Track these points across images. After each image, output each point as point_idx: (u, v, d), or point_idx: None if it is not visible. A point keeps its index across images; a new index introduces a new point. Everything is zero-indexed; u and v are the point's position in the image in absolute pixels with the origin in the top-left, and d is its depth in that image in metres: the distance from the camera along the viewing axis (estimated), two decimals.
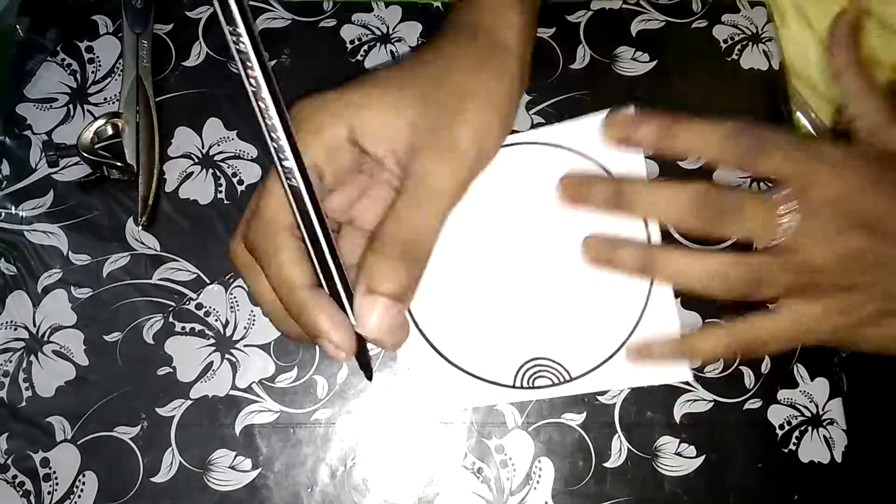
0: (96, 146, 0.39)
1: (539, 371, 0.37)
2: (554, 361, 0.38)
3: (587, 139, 0.38)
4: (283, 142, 0.28)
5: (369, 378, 0.32)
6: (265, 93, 0.27)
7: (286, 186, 0.28)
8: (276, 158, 0.28)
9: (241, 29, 0.26)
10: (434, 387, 0.37)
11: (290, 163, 0.28)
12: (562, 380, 0.37)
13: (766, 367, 0.38)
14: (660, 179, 0.36)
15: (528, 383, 0.37)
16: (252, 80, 0.27)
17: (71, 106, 0.42)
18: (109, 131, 0.40)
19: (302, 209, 0.29)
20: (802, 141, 0.35)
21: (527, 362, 0.38)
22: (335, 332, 0.29)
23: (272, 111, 0.27)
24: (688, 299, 0.39)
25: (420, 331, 0.38)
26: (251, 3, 0.44)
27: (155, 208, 0.40)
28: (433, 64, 0.33)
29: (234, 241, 0.31)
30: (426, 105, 0.32)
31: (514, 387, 0.37)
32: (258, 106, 0.27)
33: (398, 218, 0.30)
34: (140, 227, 0.40)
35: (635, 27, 0.44)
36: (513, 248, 0.39)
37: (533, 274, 0.39)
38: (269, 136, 0.28)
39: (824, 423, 0.38)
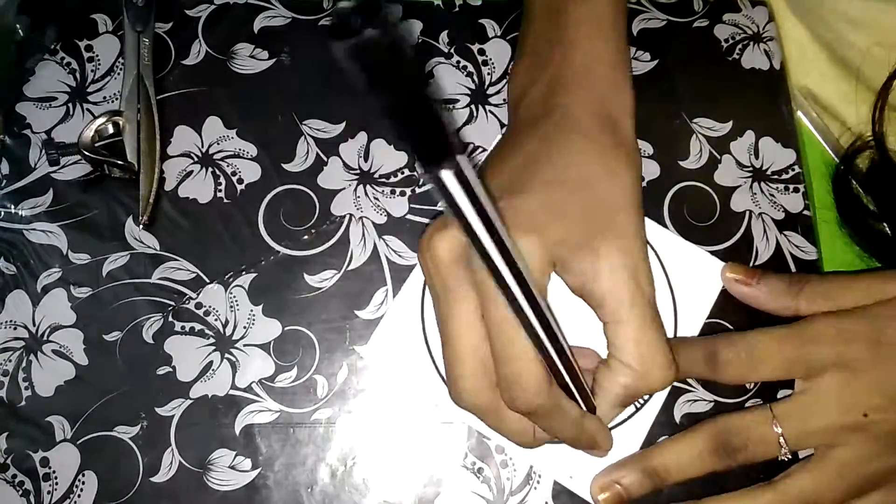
0: (97, 145, 0.39)
1: None
2: None
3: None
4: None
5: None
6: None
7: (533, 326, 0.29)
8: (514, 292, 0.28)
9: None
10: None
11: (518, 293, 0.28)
12: None
13: None
14: (671, 439, 0.36)
15: None
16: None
17: (70, 105, 0.42)
18: (110, 130, 0.40)
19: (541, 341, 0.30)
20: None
21: None
22: (609, 443, 0.35)
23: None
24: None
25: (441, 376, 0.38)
26: (251, 1, 0.44)
27: (155, 207, 0.40)
28: (569, 172, 0.34)
29: (467, 389, 0.31)
30: (576, 226, 0.32)
31: (552, 441, 0.37)
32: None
33: (629, 343, 0.32)
34: (141, 226, 0.39)
35: (636, 26, 0.44)
36: None
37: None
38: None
39: None
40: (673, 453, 0.35)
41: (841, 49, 0.44)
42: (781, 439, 0.34)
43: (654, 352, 0.32)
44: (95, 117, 0.39)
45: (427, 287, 0.34)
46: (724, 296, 0.39)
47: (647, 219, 0.40)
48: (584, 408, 0.33)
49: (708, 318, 0.39)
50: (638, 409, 0.37)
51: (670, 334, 0.38)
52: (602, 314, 0.33)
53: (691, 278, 0.39)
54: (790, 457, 0.34)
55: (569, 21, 0.37)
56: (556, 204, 0.32)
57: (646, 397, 0.37)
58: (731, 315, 0.39)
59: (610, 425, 0.36)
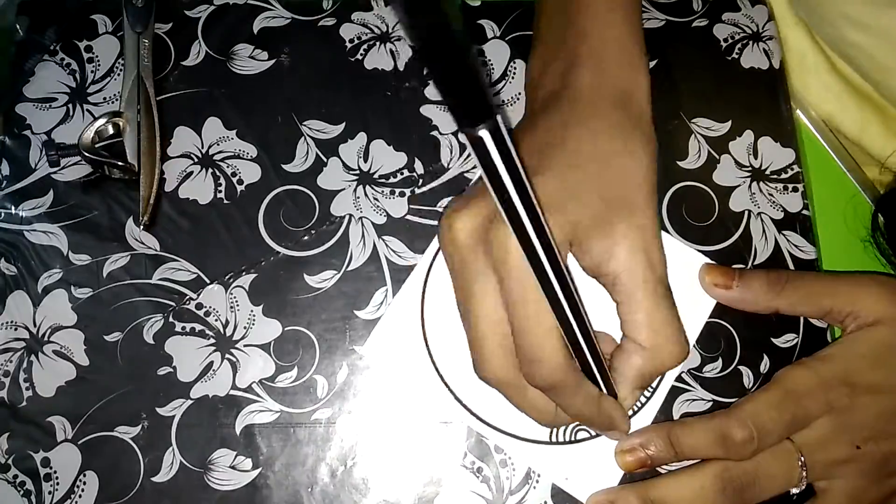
0: (97, 145, 0.39)
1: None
2: None
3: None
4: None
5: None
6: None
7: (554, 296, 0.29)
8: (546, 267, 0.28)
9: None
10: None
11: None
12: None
13: (765, 366, 0.39)
14: (674, 471, 0.36)
15: (569, 437, 0.37)
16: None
17: (70, 105, 0.42)
18: (110, 131, 0.40)
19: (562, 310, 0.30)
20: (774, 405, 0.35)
21: None
22: (626, 426, 0.35)
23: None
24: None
25: (451, 391, 0.38)
26: (251, 1, 0.44)
27: (156, 208, 0.40)
28: (584, 151, 0.34)
29: (491, 364, 0.32)
30: (592, 205, 0.33)
31: (551, 442, 0.37)
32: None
33: (640, 325, 0.32)
34: (141, 227, 0.40)
35: None
36: None
37: None
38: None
39: None
40: (675, 488, 0.35)
41: (841, 47, 0.44)
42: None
43: (665, 329, 0.32)
44: (95, 118, 0.40)
45: (447, 267, 0.34)
46: None
47: None
48: (604, 389, 0.34)
49: (709, 317, 0.39)
50: (636, 412, 0.37)
51: None
52: (615, 293, 0.33)
53: (691, 281, 0.39)
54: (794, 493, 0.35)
55: (581, 6, 0.37)
56: (572, 185, 0.33)
57: (644, 399, 0.38)
58: (731, 315, 0.39)
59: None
